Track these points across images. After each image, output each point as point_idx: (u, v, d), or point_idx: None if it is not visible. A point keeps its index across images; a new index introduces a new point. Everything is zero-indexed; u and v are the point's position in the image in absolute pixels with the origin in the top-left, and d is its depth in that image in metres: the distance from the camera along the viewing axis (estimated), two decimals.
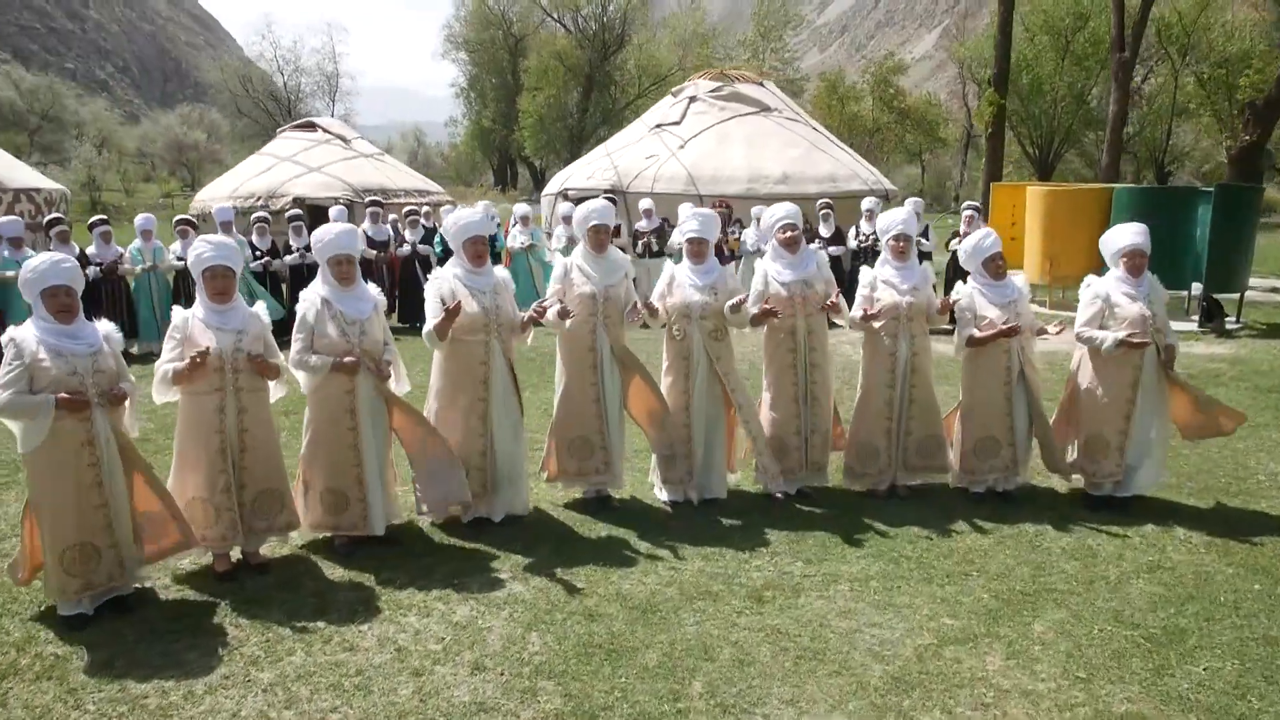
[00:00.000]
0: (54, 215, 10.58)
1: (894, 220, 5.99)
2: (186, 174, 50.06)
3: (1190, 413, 5.80)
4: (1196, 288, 12.90)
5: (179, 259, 11.25)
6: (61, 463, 4.33)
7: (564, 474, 5.95)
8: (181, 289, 11.14)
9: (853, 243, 12.90)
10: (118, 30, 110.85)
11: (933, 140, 46.33)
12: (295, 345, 5.01)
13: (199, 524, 4.84)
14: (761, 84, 19.72)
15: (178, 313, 4.80)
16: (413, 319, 12.63)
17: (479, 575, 4.98)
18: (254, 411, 4.91)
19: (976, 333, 5.77)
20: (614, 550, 5.32)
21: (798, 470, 6.06)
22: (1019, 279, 6.02)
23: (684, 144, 17.91)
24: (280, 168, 19.25)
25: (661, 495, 6.10)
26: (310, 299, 5.03)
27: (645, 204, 14.26)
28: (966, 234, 12.12)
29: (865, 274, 6.11)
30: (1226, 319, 12.67)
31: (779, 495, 6.09)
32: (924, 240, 12.24)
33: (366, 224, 12.92)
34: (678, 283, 5.87)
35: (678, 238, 11.26)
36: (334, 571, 5.09)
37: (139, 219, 11.14)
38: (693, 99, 18.96)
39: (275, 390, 5.07)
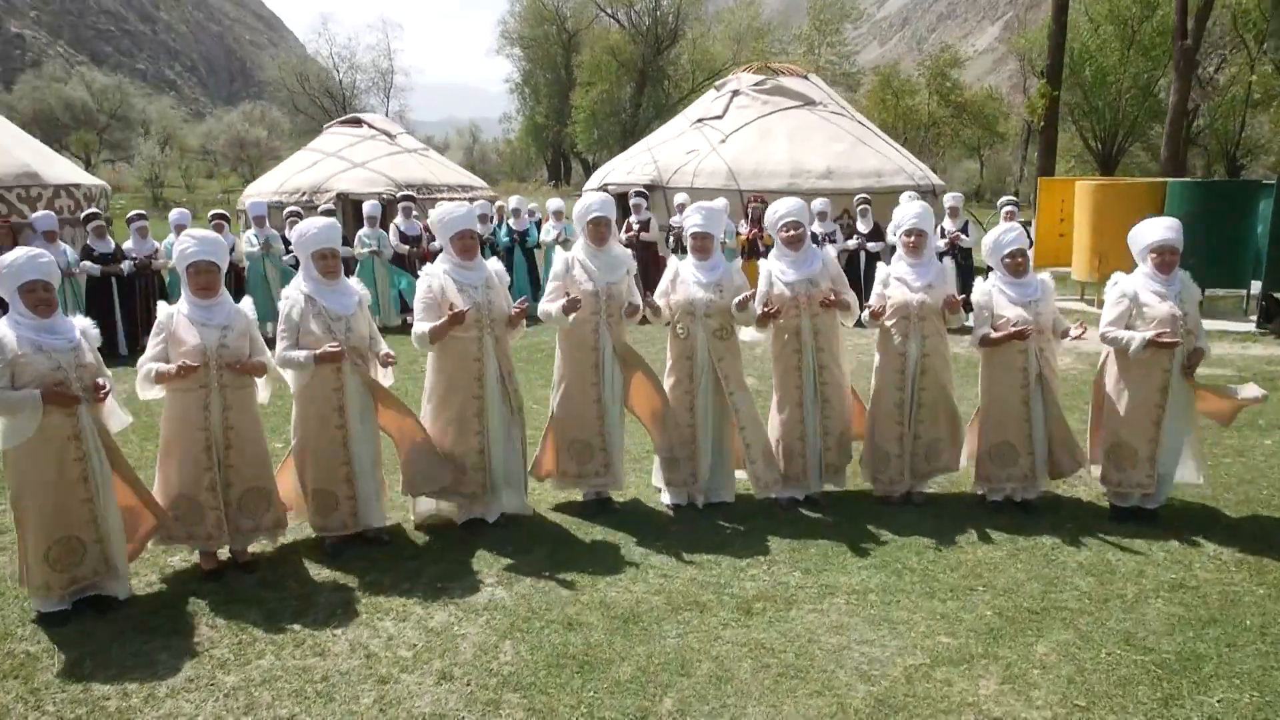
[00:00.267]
0: (90, 210, 10.75)
1: (906, 215, 5.73)
2: (247, 170, 51.02)
3: (1216, 402, 5.44)
4: (1255, 286, 12.29)
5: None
6: (46, 458, 4.30)
7: (563, 476, 5.81)
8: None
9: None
10: (186, 31, 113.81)
11: (992, 135, 45.22)
12: (280, 343, 4.94)
13: (184, 522, 4.80)
14: (806, 77, 19.35)
15: (162, 308, 4.76)
16: None
17: (464, 579, 4.86)
18: (239, 408, 4.84)
19: (991, 333, 5.49)
20: (606, 556, 5.16)
21: (802, 477, 5.83)
22: (1043, 277, 5.70)
23: (725, 138, 17.65)
24: (325, 163, 19.40)
25: (665, 498, 5.93)
26: (294, 296, 4.96)
27: (680, 199, 14.07)
28: None
29: (880, 270, 5.87)
30: None
31: (783, 501, 5.87)
32: (964, 235, 11.87)
33: (399, 219, 12.95)
34: (681, 279, 5.68)
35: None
36: (320, 572, 5.01)
37: (174, 214, 11.28)
38: (735, 93, 18.67)
39: (262, 390, 5.00)
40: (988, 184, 45.79)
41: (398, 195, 13.81)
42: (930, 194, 15.95)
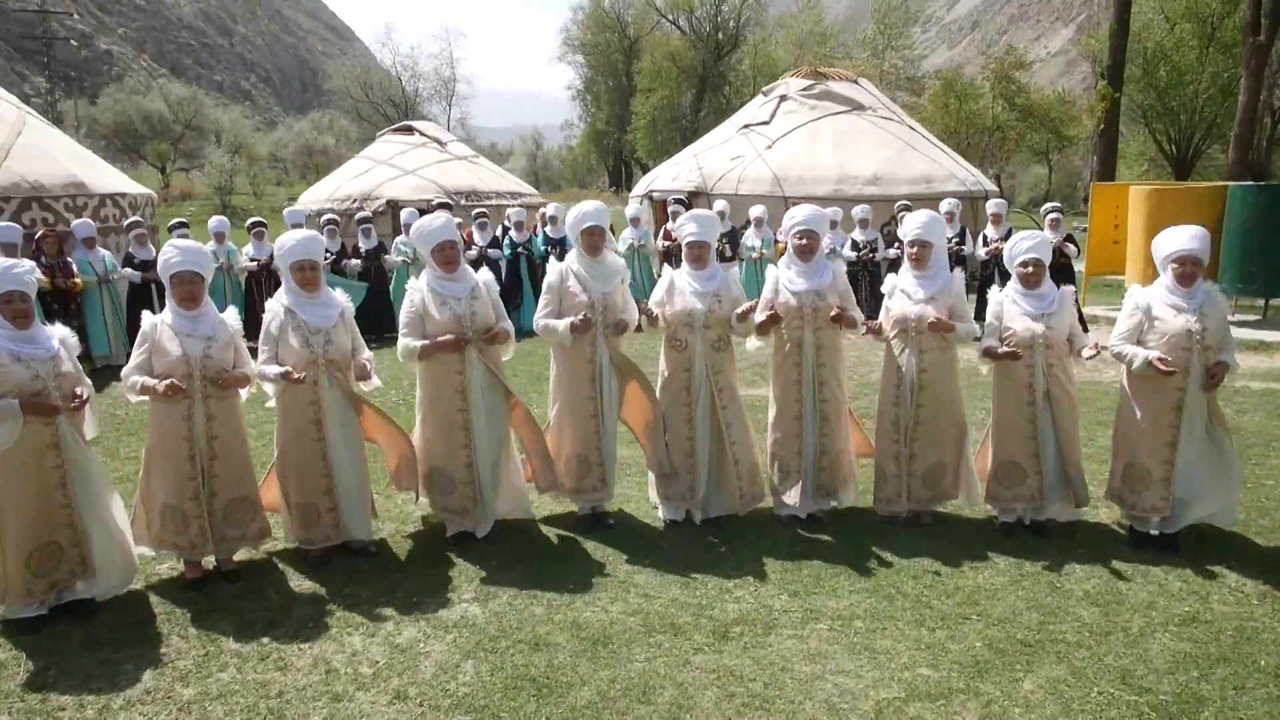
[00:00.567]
0: (133, 219, 11.02)
1: (911, 225, 5.50)
2: (314, 177, 52.26)
3: None
4: None
5: (252, 260, 11.59)
6: (24, 466, 4.34)
7: (560, 490, 5.69)
8: (254, 290, 11.45)
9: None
10: (262, 43, 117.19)
11: (1060, 139, 43.91)
12: (260, 356, 4.94)
13: (168, 531, 4.82)
14: (856, 81, 19.03)
15: (146, 318, 4.78)
16: None
17: (440, 594, 4.78)
18: (224, 418, 4.84)
19: (997, 345, 5.24)
20: (591, 573, 5.04)
21: (794, 493, 5.61)
22: (1065, 291, 5.39)
23: (771, 144, 17.44)
24: (376, 170, 19.68)
25: (661, 513, 5.78)
26: (274, 309, 4.94)
27: (719, 205, 13.88)
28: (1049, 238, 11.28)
29: (888, 281, 5.65)
30: None
31: (784, 519, 5.69)
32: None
33: None
34: (678, 289, 5.52)
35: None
36: (301, 583, 4.98)
37: (212, 222, 11.50)
38: (783, 98, 18.46)
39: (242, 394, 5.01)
40: (1057, 189, 44.51)
41: (433, 203, 13.87)
42: (982, 199, 15.51)
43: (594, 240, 5.46)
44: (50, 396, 4.32)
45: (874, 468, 5.66)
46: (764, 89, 20.11)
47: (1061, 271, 11.27)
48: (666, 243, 13.13)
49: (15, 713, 3.76)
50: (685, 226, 5.50)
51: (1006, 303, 5.37)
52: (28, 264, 4.56)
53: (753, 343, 5.67)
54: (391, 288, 12.27)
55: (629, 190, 53.86)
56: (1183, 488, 5.06)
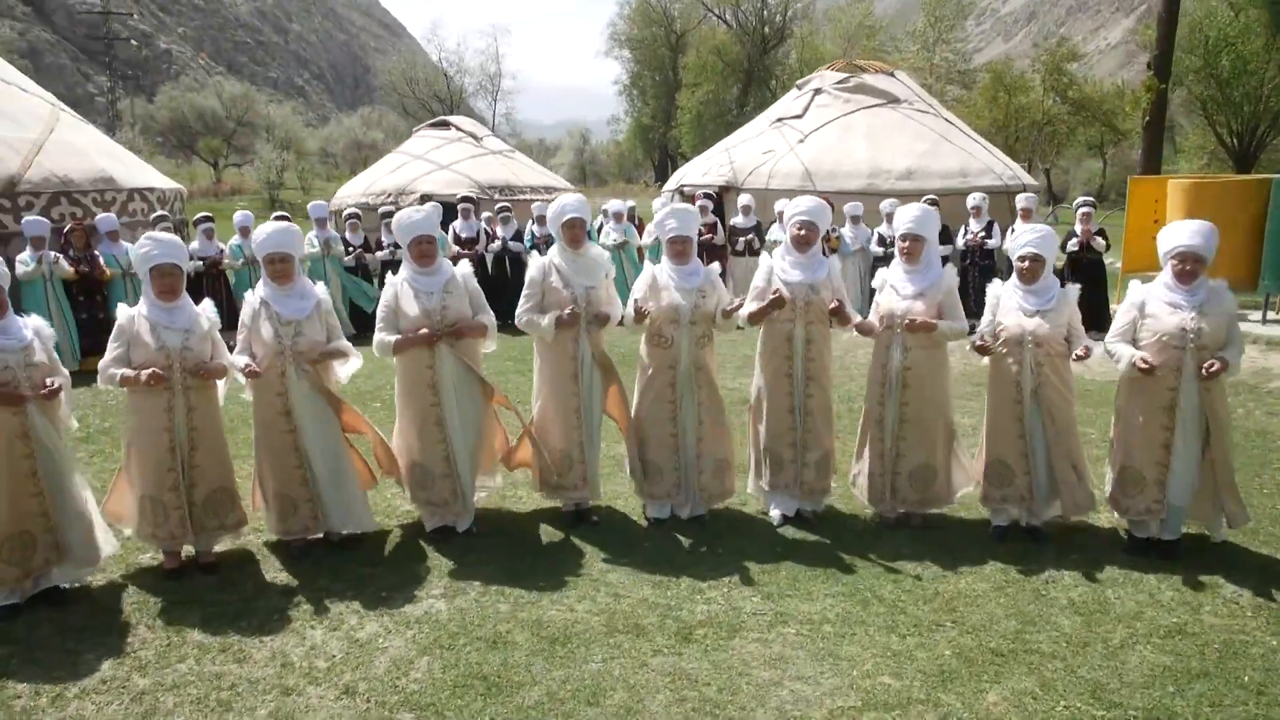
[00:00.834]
0: (159, 213, 11.19)
1: (904, 218, 5.33)
2: (363, 172, 53.08)
3: None
4: None
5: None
6: None
7: (543, 486, 5.65)
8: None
9: (960, 243, 11.99)
10: (315, 40, 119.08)
11: (1115, 132, 42.70)
12: (237, 347, 4.95)
13: (148, 522, 4.85)
14: (892, 74, 18.68)
15: (123, 311, 4.81)
16: (503, 317, 12.63)
17: (409, 589, 4.75)
18: (203, 410, 4.87)
19: (987, 339, 5.08)
20: (564, 570, 4.97)
21: (792, 486, 5.51)
22: (1067, 289, 5.18)
23: (804, 138, 17.17)
24: (411, 165, 19.79)
25: (648, 511, 5.69)
26: (250, 300, 4.96)
27: (744, 200, 13.76)
28: (1080, 233, 10.96)
29: (879, 275, 5.50)
30: None
31: (773, 518, 5.58)
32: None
33: (458, 221, 13.03)
34: (661, 285, 5.42)
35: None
36: (277, 575, 4.99)
37: (237, 216, 11.64)
38: (817, 91, 18.15)
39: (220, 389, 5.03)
40: (1111, 184, 43.34)
41: (457, 198, 13.90)
42: (1021, 193, 15.12)
43: (575, 233, 5.38)
44: (20, 387, 4.37)
45: (864, 466, 5.52)
46: (798, 82, 19.85)
47: (1091, 267, 10.96)
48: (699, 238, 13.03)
49: None
50: (666, 222, 5.39)
51: (1004, 296, 5.20)
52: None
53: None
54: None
55: None
56: (1178, 492, 4.84)
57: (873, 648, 4.12)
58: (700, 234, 13.15)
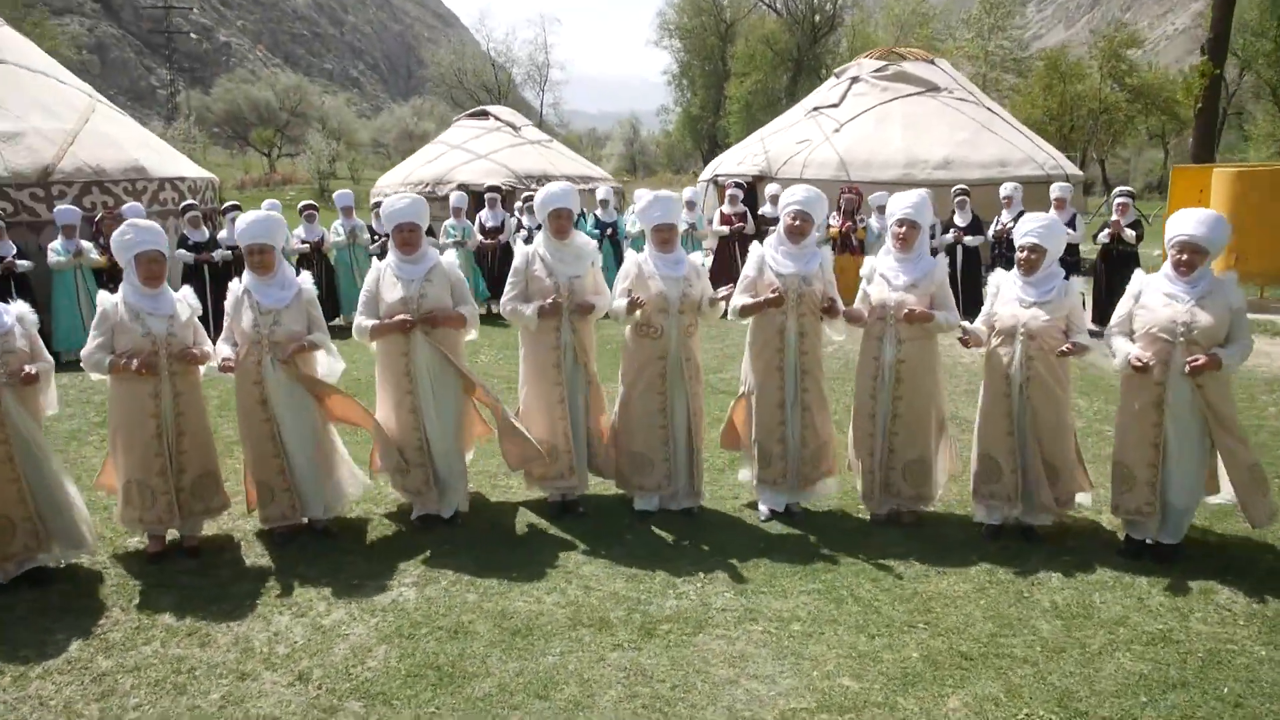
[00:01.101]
0: (187, 202, 11.39)
1: (901, 203, 5.16)
2: None
3: None
4: None
5: (303, 242, 11.85)
6: None
7: (529, 476, 5.61)
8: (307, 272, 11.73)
9: (990, 233, 11.70)
10: (370, 31, 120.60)
11: (1177, 121, 41.32)
12: (222, 334, 5.00)
13: (135, 507, 4.91)
14: (932, 62, 18.30)
15: (105, 298, 4.86)
16: None
17: (382, 577, 4.75)
18: (188, 395, 4.91)
19: (981, 328, 4.94)
20: (541, 562, 4.93)
21: (781, 481, 5.40)
22: (1070, 281, 4.97)
23: (840, 127, 16.91)
24: (449, 155, 19.89)
25: (635, 504, 5.63)
26: (234, 289, 4.99)
27: (772, 189, 13.55)
28: (1111, 224, 10.62)
29: (866, 263, 5.36)
30: None
31: (762, 512, 5.48)
32: (1071, 230, 10.76)
33: (484, 211, 13.06)
34: (648, 274, 5.33)
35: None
36: (258, 560, 5.03)
37: (264, 205, 11.75)
38: (855, 79, 17.88)
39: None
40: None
41: (484, 187, 13.93)
42: (1064, 182, 14.69)
43: (560, 223, 5.32)
44: None
45: (856, 461, 5.40)
46: (835, 70, 19.53)
47: (1125, 259, 10.61)
48: (731, 227, 12.92)
49: None
50: (650, 210, 5.30)
51: (1004, 286, 5.03)
52: None
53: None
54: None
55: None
56: (1178, 494, 4.64)
57: (839, 648, 4.01)
58: (730, 222, 13.04)
